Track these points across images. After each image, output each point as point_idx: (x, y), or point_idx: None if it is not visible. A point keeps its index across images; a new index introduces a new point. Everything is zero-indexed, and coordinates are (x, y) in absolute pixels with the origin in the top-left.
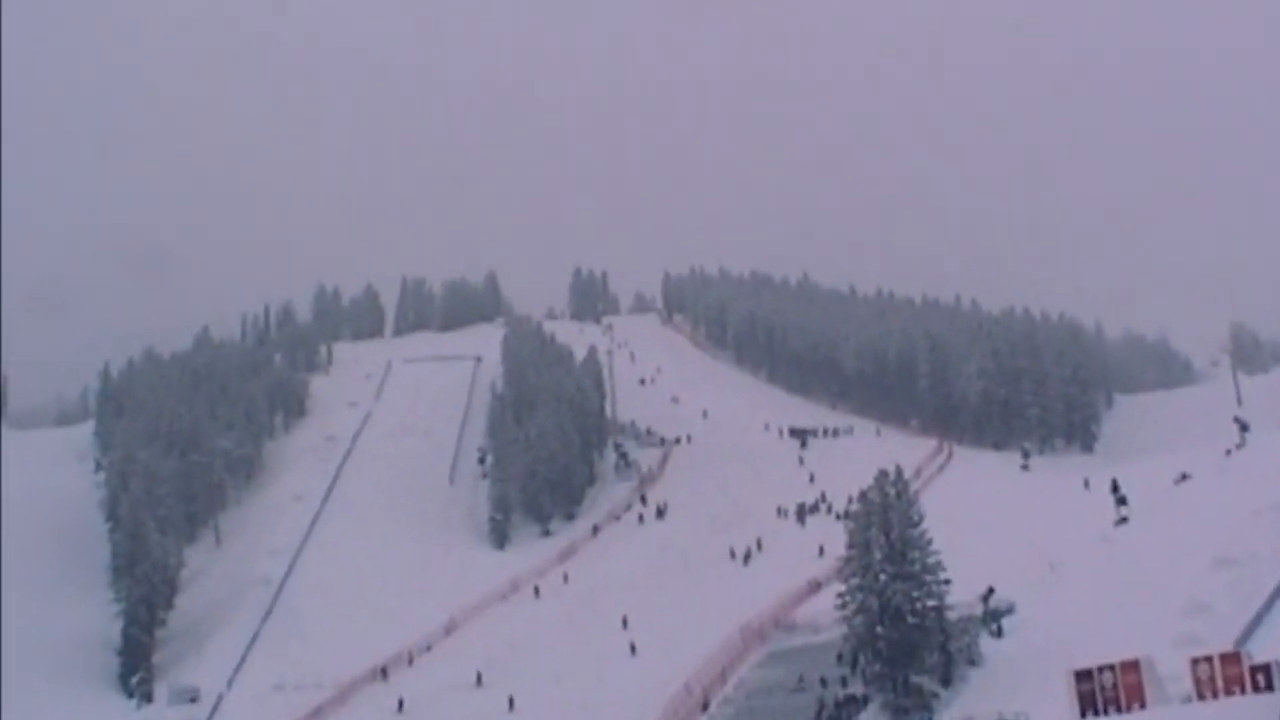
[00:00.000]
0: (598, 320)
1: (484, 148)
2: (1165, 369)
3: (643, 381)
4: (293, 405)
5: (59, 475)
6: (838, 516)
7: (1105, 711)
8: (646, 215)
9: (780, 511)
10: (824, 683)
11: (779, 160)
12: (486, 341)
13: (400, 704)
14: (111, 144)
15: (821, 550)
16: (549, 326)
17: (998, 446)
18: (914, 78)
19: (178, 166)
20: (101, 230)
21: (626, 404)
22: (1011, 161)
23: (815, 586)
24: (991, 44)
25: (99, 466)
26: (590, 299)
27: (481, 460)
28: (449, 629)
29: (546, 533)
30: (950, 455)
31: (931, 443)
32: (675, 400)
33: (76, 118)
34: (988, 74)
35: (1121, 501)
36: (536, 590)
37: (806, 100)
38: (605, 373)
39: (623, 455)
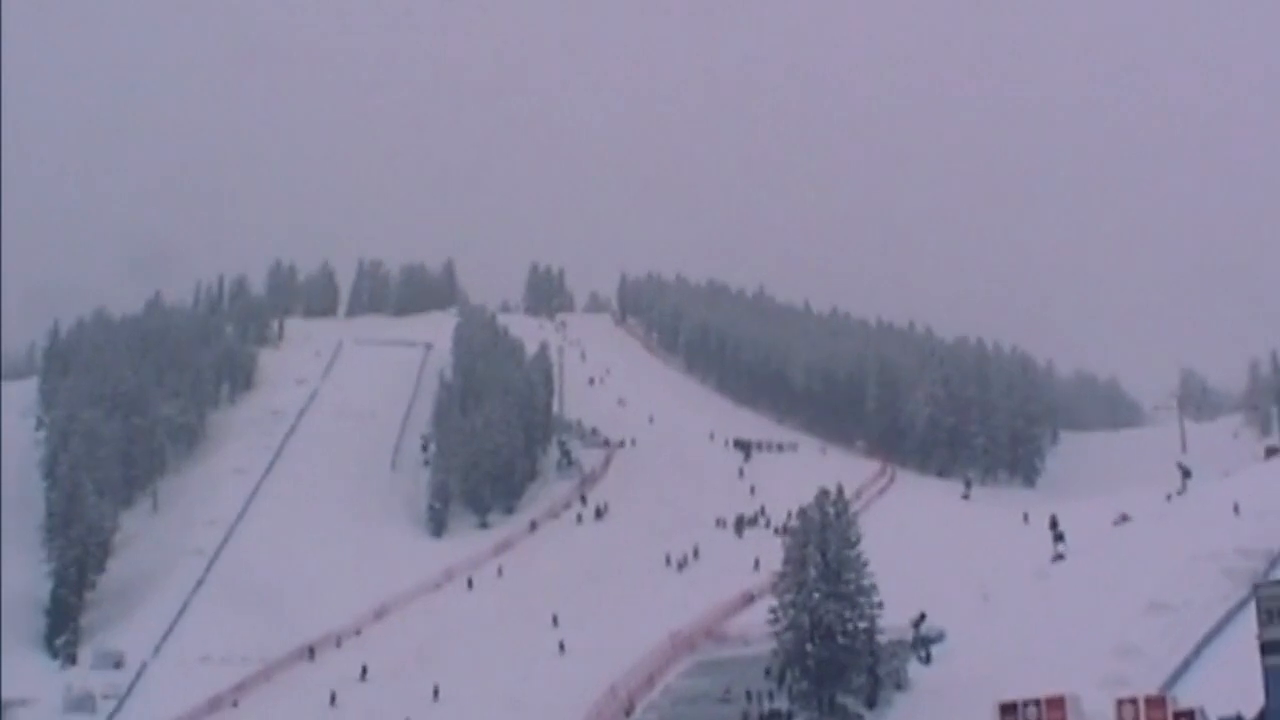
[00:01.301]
0: (551, 317)
1: (451, 137)
2: (1113, 410)
3: (592, 381)
4: (240, 377)
5: None
6: (776, 531)
7: None
8: (607, 216)
9: (719, 522)
10: (750, 696)
11: (744, 172)
12: (439, 329)
13: (332, 698)
14: (80, 105)
15: (757, 563)
16: (503, 319)
17: (941, 474)
18: (886, 101)
19: (142, 134)
20: (58, 189)
21: (574, 402)
22: (978, 193)
23: (748, 599)
24: (963, 75)
25: (40, 424)
26: (545, 295)
27: (424, 448)
28: (379, 614)
29: (484, 525)
30: (893, 479)
31: (875, 465)
32: (622, 402)
33: (43, 67)
34: (960, 104)
35: (1059, 538)
36: (470, 582)
37: (775, 114)
38: (555, 369)
39: (566, 453)
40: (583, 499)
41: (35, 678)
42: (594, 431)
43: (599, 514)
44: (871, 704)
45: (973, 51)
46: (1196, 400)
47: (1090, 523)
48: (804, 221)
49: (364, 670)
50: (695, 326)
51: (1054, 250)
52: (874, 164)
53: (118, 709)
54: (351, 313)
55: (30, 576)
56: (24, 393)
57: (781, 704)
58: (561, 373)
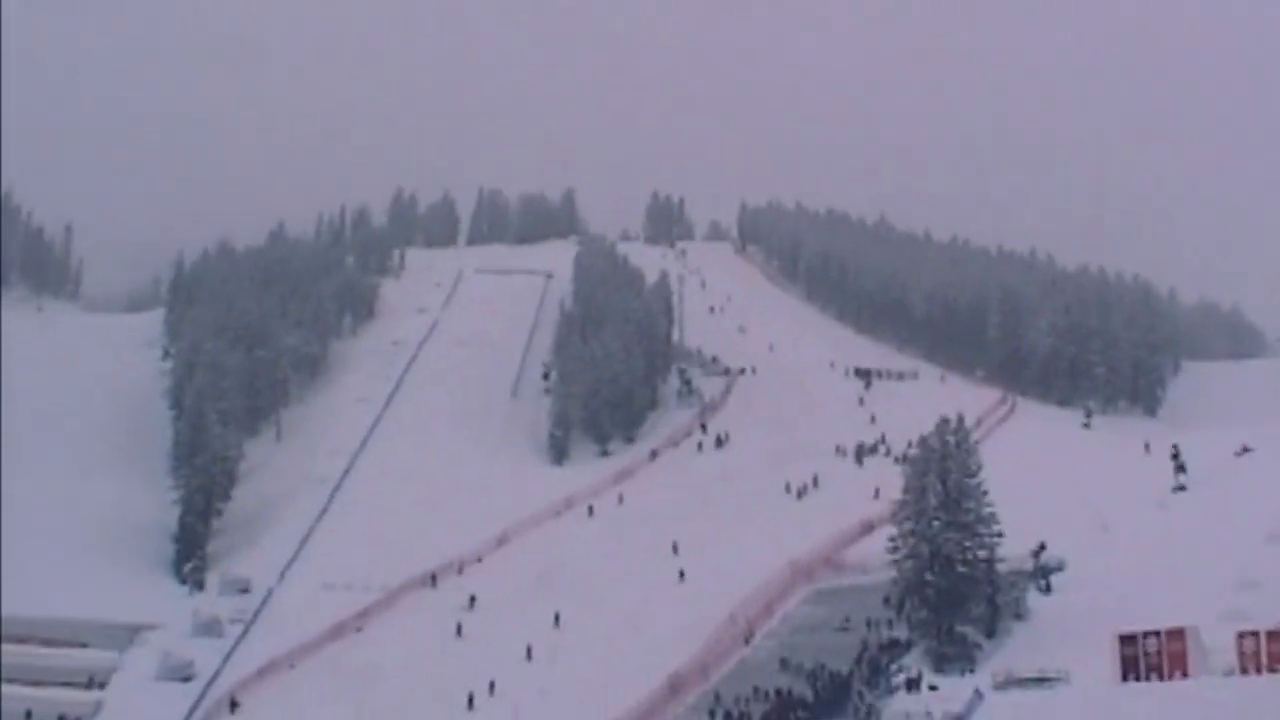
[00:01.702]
0: (671, 245)
1: (571, 66)
2: (1236, 339)
3: (712, 310)
4: (362, 308)
5: (126, 361)
6: (896, 460)
7: (1147, 677)
8: (727, 144)
9: (839, 450)
10: (869, 624)
11: (864, 99)
12: (559, 258)
13: (472, 600)
14: (199, 35)
15: (877, 492)
16: (622, 248)
17: (1061, 403)
18: (1010, 25)
19: (264, 66)
20: (182, 121)
21: (694, 331)
22: (1099, 120)
23: (868, 528)
24: (1097, 4)
25: (166, 354)
26: (665, 224)
27: (545, 376)
28: (501, 541)
29: (605, 453)
30: (1013, 408)
31: (995, 394)
32: (742, 331)
33: (160, 10)
34: (1084, 30)
35: (1181, 469)
36: (591, 509)
37: (894, 40)
38: (675, 298)
39: (686, 382)
40: (703, 427)
41: (164, 603)
42: (714, 360)
43: (719, 442)
44: (990, 633)
45: None
46: None
47: (1212, 453)
48: (924, 149)
49: (471, 600)
50: (815, 255)
51: (1177, 177)
52: (996, 90)
53: (244, 634)
54: (472, 242)
55: (158, 504)
56: (150, 324)
57: (900, 633)
58: (681, 301)
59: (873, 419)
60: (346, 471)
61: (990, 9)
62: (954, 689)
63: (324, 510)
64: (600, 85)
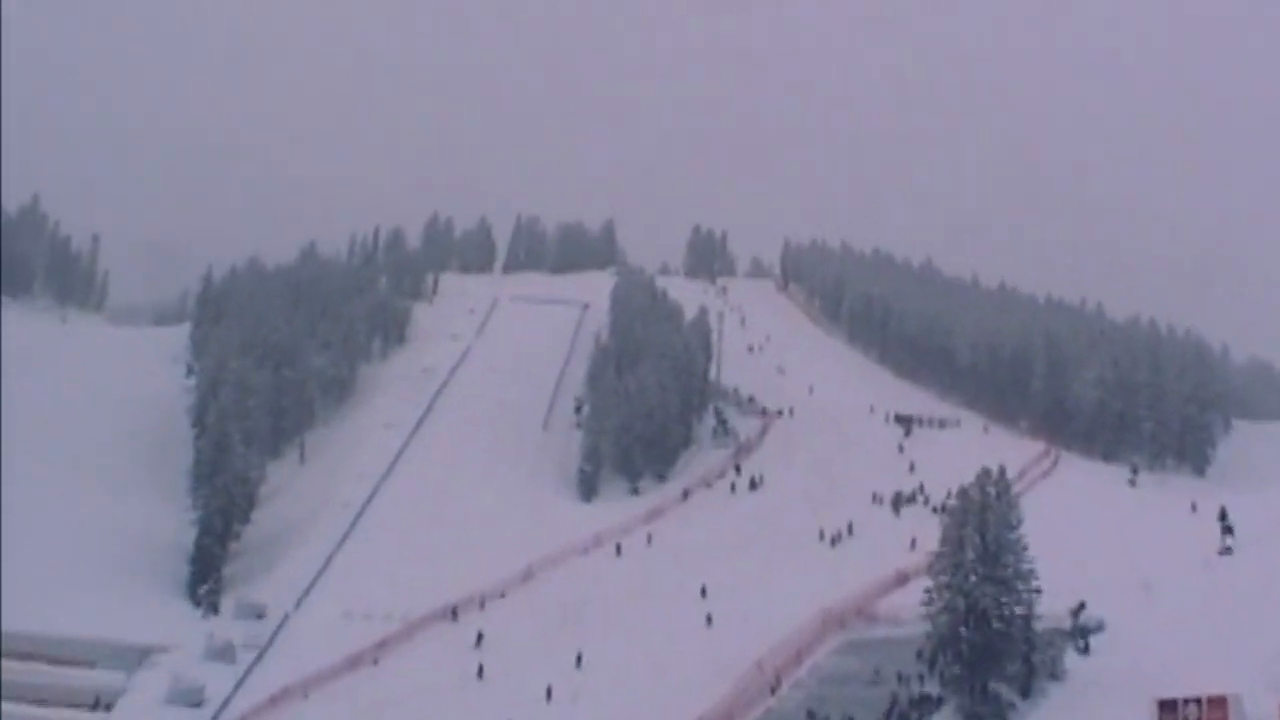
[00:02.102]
0: (712, 280)
1: (616, 96)
2: None
3: (751, 348)
4: (393, 331)
5: (150, 375)
6: (934, 510)
7: None
8: (772, 180)
9: (876, 498)
10: (900, 679)
11: (914, 140)
12: (596, 289)
13: (479, 638)
14: (237, 51)
15: (913, 543)
16: (661, 281)
17: (1107, 458)
18: (1067, 71)
19: (303, 82)
20: (215, 135)
21: (732, 369)
22: (1156, 170)
23: (902, 579)
24: (1148, 46)
25: (190, 371)
26: (706, 258)
27: (578, 409)
28: (526, 576)
29: (635, 491)
30: (1057, 461)
31: (1039, 445)
32: (781, 371)
33: (197, 24)
34: (1144, 77)
35: (1228, 530)
36: (619, 548)
37: (947, 83)
38: (713, 335)
39: (722, 421)
40: (737, 468)
41: (177, 625)
42: (751, 400)
43: (753, 485)
44: (1025, 693)
45: (1156, 25)
46: None
47: (1261, 516)
48: (974, 193)
49: (479, 637)
50: (859, 296)
51: (1234, 231)
52: (1050, 136)
53: (258, 660)
54: (508, 269)
55: (175, 524)
56: (175, 339)
57: (932, 688)
58: (720, 338)
59: (911, 467)
60: (370, 498)
61: (1046, 56)
62: None
63: (345, 536)
64: (644, 115)
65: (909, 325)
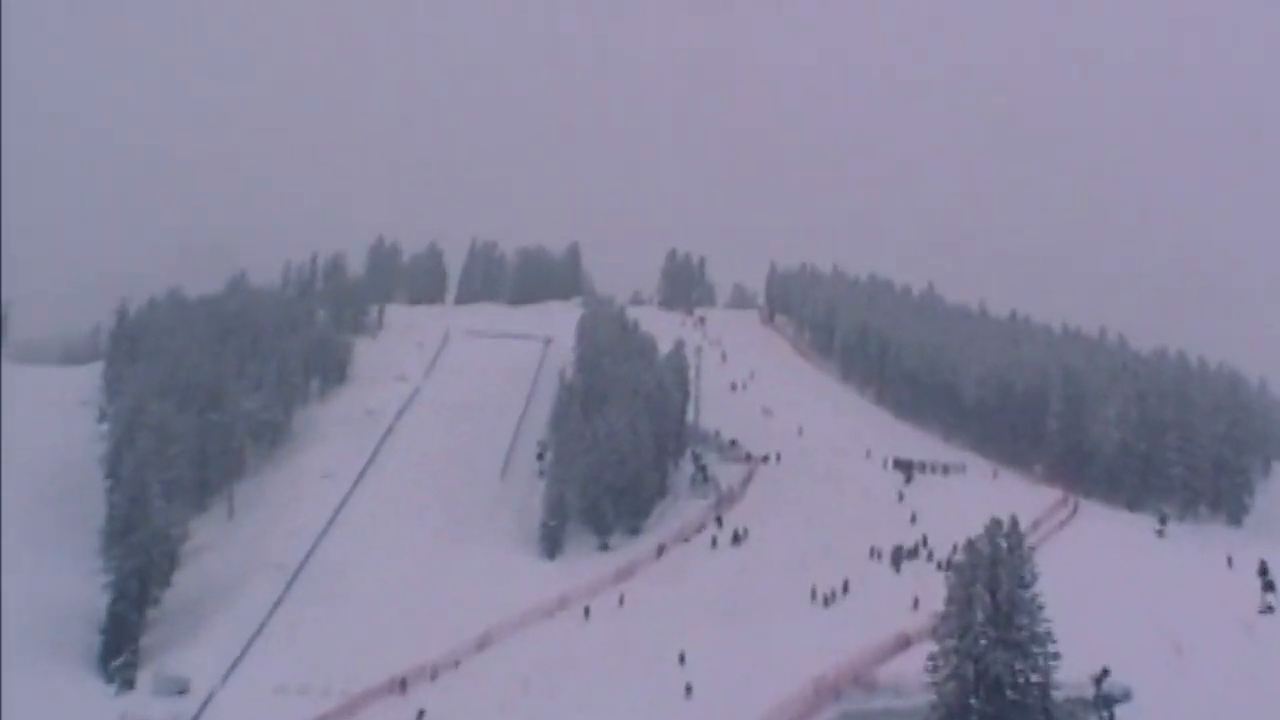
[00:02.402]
0: (689, 311)
1: (584, 109)
2: None
3: (733, 386)
4: (332, 370)
5: (57, 420)
6: (939, 565)
7: None
8: (758, 200)
9: (873, 552)
10: None
11: (914, 157)
12: (560, 321)
13: (420, 716)
14: (154, 60)
15: (916, 602)
16: (633, 312)
17: (1131, 506)
18: (1088, 86)
19: (227, 87)
20: (131, 149)
21: (712, 410)
22: (1182, 187)
23: (904, 643)
24: (1180, 60)
25: (103, 415)
26: (683, 286)
27: (540, 456)
28: (482, 644)
29: (605, 546)
30: (1076, 510)
31: (1055, 493)
32: (767, 412)
33: (110, 33)
34: (1172, 92)
35: (1269, 587)
36: (587, 611)
37: (953, 94)
38: (691, 372)
39: (701, 468)
40: (718, 521)
41: (86, 704)
42: (734, 444)
43: (736, 539)
44: None
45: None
46: None
47: None
48: (980, 213)
49: (420, 715)
50: (853, 327)
51: (1270, 253)
52: (1063, 149)
53: None
54: (461, 300)
55: (85, 588)
56: (86, 380)
57: None
58: (699, 375)
59: (913, 518)
60: (307, 557)
61: (1057, 64)
62: None
63: (279, 600)
64: (613, 130)
65: (909, 359)
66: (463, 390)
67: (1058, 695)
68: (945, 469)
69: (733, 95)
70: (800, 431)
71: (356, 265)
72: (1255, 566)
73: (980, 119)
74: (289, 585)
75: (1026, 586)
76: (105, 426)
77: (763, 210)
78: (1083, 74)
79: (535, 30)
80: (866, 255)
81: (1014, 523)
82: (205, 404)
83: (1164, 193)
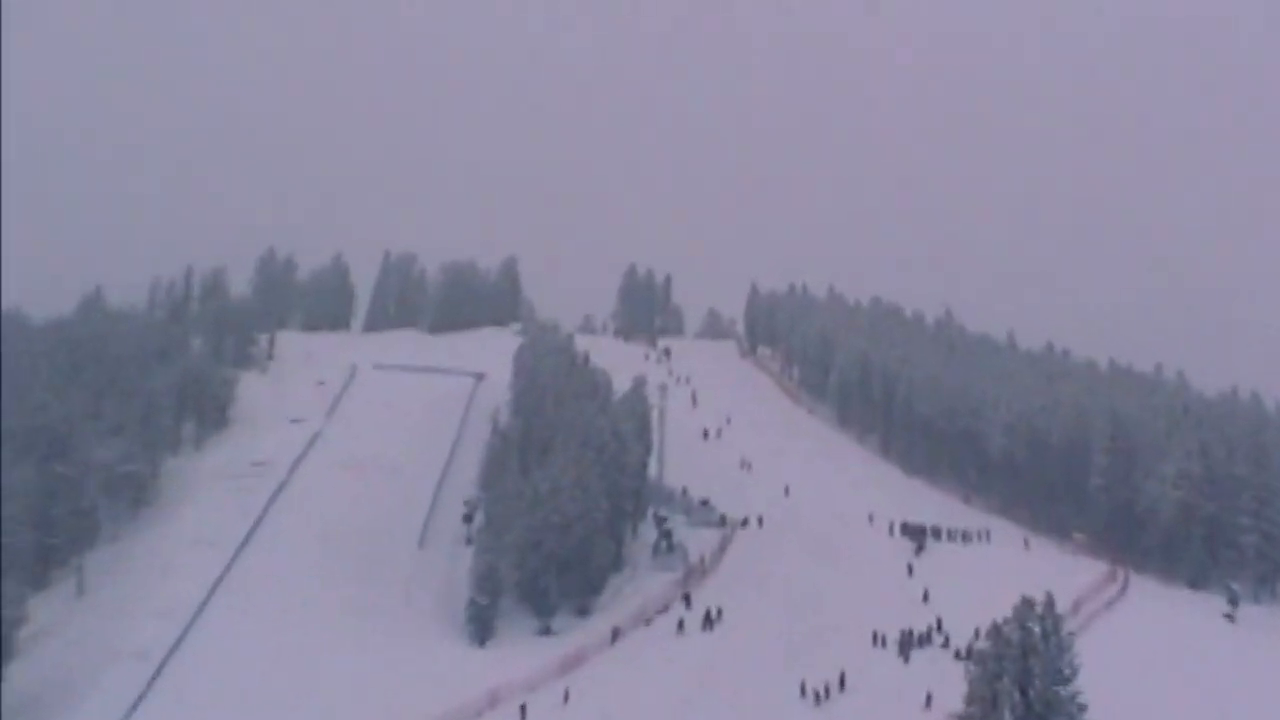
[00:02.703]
0: (652, 341)
1: (523, 102)
2: None
3: (706, 434)
4: (211, 411)
5: None
6: (957, 654)
7: None
8: (737, 207)
9: (877, 638)
10: None
11: (926, 158)
12: (494, 353)
13: None
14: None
15: (929, 700)
16: (583, 342)
17: (1194, 584)
18: (1129, 84)
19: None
20: None
21: (679, 463)
22: (1254, 201)
23: None
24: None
25: None
26: (645, 310)
27: (468, 519)
28: None
29: (547, 631)
30: (1126, 587)
31: (1101, 566)
32: (747, 465)
33: None
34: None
35: None
36: (524, 710)
37: (970, 86)
38: (654, 415)
39: (665, 534)
40: (686, 599)
41: None
42: (705, 504)
43: (708, 621)
44: None
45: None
46: None
47: None
48: (1007, 226)
49: None
50: (853, 362)
51: None
52: (1107, 156)
53: None
54: (372, 326)
55: None
56: None
57: None
58: (663, 420)
59: (925, 596)
60: (176, 644)
61: (1092, 66)
62: None
63: (140, 699)
64: (557, 124)
65: (922, 401)
66: (373, 437)
67: None
68: (965, 536)
69: (702, 85)
70: (787, 490)
71: (241, 282)
72: None
73: (1003, 116)
74: (152, 680)
75: (1065, 682)
76: None
77: (741, 220)
78: (1113, 71)
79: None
80: (868, 275)
81: (1050, 603)
82: (49, 452)
83: (1235, 210)
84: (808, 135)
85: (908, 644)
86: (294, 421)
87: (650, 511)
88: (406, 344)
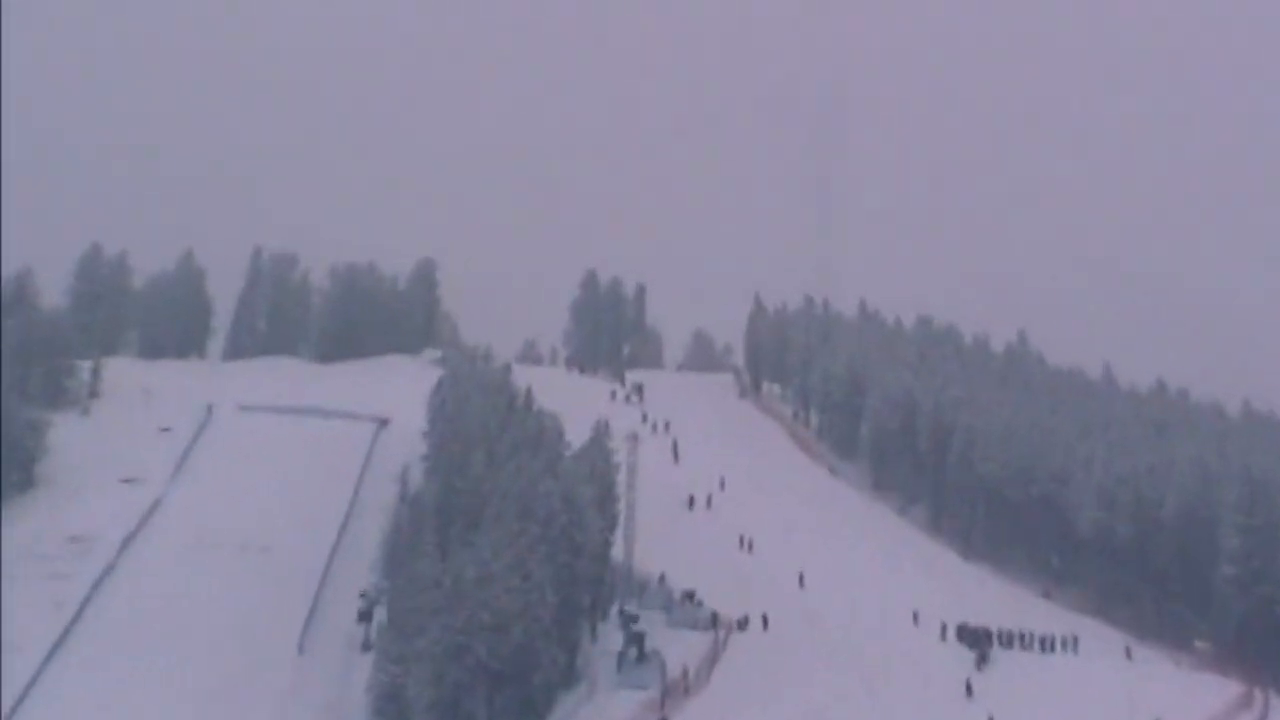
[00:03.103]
0: (620, 375)
1: (445, 66)
2: None
3: (692, 502)
4: (11, 468)
5: None
6: None
7: None
8: (728, 197)
9: None
10: None
11: (987, 136)
12: (403, 390)
13: None
14: None
15: None
16: (524, 375)
17: None
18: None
19: None
20: None
21: (655, 541)
22: None
23: None
24: None
25: None
26: (609, 332)
27: (365, 616)
28: None
29: None
30: (1267, 712)
31: (1232, 687)
32: (747, 545)
33: None
34: None
35: None
36: None
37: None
38: (622, 475)
39: (636, 639)
40: None
41: None
42: (690, 598)
43: None
44: None
45: None
46: None
47: None
48: (1108, 232)
49: None
50: (892, 403)
51: None
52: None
53: None
54: (236, 351)
55: None
56: None
57: None
58: (633, 482)
59: None
60: None
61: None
62: None
63: None
64: (491, 92)
65: (987, 458)
66: (236, 505)
67: None
68: (1044, 643)
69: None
70: (801, 580)
71: (55, 292)
72: None
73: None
74: None
75: None
76: None
77: (739, 210)
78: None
79: None
80: (914, 286)
81: None
82: None
83: None
84: (827, 101)
85: None
86: (126, 482)
87: (615, 608)
88: (283, 377)
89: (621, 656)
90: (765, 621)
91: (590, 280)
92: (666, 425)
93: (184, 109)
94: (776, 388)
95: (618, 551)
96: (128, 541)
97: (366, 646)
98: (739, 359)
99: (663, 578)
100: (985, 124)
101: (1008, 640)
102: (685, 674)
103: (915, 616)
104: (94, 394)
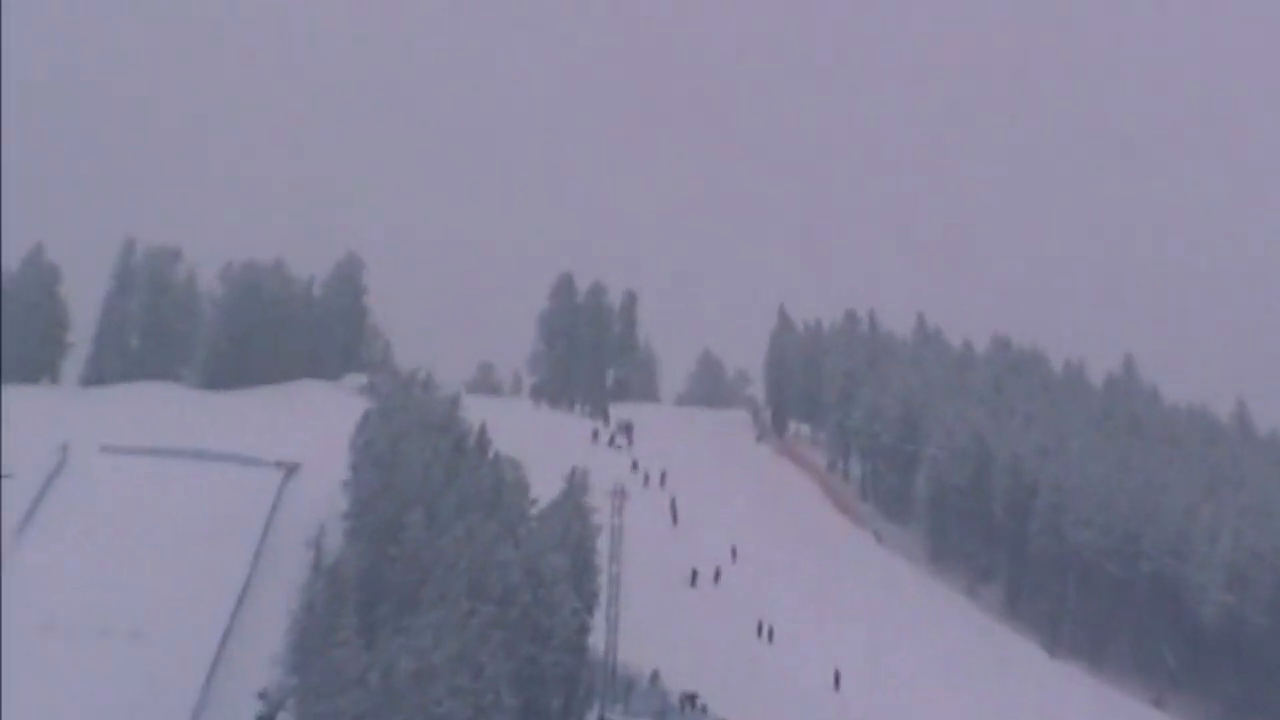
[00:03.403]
0: (603, 413)
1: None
2: None
3: (695, 577)
4: None
5: None
6: None
7: None
8: (742, 184)
9: None
10: None
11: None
12: (318, 426)
13: None
14: None
15: None
16: (478, 408)
17: None
18: None
19: None
20: None
21: (648, 627)
22: None
23: None
24: None
25: None
26: (589, 355)
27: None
28: None
29: None
30: None
31: None
32: (766, 633)
33: None
34: None
35: None
36: None
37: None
38: (602, 541)
39: None
40: None
41: None
42: (692, 702)
43: None
44: None
45: None
46: None
47: None
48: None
49: None
50: (958, 449)
51: None
52: None
53: None
54: (99, 375)
55: None
56: None
57: None
58: (619, 550)
59: None
60: None
61: None
62: None
63: None
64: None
65: (1081, 523)
66: (97, 575)
67: None
68: None
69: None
70: (838, 680)
71: None
72: None
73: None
74: None
75: None
76: None
77: (757, 203)
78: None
79: None
80: (985, 298)
81: None
82: None
83: None
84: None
85: None
86: None
87: (594, 715)
88: (161, 407)
89: None
90: None
91: (564, 286)
92: (663, 476)
93: (39, 61)
94: (806, 428)
95: (597, 641)
96: None
97: None
98: (757, 390)
99: (656, 676)
100: (1094, 124)
101: None
102: None
103: None
104: None
